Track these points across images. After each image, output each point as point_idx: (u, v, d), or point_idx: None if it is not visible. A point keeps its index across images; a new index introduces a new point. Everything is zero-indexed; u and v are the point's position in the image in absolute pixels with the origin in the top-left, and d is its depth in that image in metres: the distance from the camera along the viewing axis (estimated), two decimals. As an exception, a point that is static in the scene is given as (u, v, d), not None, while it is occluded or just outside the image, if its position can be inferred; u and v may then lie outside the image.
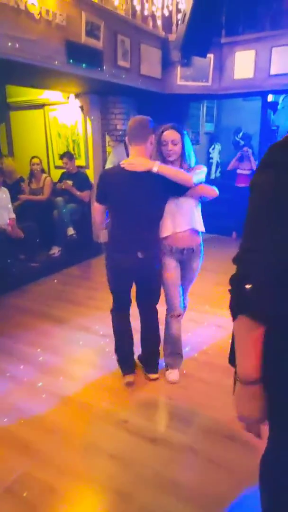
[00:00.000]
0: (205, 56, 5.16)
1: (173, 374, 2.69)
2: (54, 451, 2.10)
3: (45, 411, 2.40)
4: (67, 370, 2.85)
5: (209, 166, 8.11)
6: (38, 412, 2.39)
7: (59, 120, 5.70)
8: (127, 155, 5.41)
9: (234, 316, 0.95)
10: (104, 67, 4.23)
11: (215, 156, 8.07)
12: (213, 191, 2.47)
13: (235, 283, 0.92)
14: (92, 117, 5.48)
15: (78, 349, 3.16)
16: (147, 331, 2.72)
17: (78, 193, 5.29)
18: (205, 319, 3.61)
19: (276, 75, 5.05)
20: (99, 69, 4.18)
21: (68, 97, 5.44)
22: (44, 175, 5.28)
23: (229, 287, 0.95)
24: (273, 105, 6.33)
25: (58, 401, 2.49)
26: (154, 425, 2.30)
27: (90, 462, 2.03)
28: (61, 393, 2.58)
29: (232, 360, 1.08)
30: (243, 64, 5.24)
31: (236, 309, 0.94)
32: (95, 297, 4.11)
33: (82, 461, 2.04)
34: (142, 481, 1.91)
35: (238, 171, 6.36)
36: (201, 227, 2.53)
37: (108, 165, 5.43)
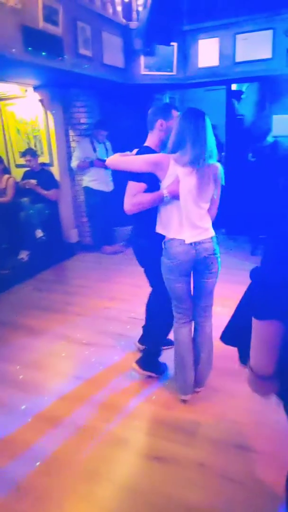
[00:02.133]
0: (168, 44, 4.99)
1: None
2: (49, 487, 1.86)
3: (32, 438, 2.15)
4: (52, 387, 2.60)
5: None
6: (25, 440, 2.14)
7: (17, 115, 5.33)
8: (94, 150, 5.19)
9: (257, 317, 0.98)
10: (65, 56, 3.94)
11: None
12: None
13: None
14: (53, 111, 5.16)
15: (61, 361, 2.91)
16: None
17: (44, 192, 4.98)
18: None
19: (241, 63, 4.96)
20: (60, 58, 3.88)
21: (26, 91, 5.08)
22: (6, 176, 4.91)
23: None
24: (237, 94, 6.26)
25: (46, 425, 2.25)
26: (157, 441, 2.11)
27: (92, 493, 1.82)
28: (48, 415, 2.33)
29: (225, 338, 1.25)
30: (208, 52, 5.10)
31: (261, 311, 0.97)
32: (73, 302, 3.86)
33: (83, 492, 1.82)
34: (152, 508, 1.73)
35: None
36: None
37: (74, 162, 5.16)
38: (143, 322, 3.26)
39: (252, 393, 1.08)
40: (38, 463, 1.98)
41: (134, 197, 2.19)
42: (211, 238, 2.20)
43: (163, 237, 2.22)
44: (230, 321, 1.23)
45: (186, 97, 7.98)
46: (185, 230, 2.14)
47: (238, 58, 4.94)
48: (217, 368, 2.63)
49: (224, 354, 2.77)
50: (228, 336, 1.24)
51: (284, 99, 5.47)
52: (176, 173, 2.08)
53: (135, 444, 2.09)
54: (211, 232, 2.21)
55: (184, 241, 2.13)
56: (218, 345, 2.79)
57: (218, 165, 2.14)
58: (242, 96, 6.33)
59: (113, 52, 4.81)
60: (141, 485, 1.85)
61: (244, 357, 1.16)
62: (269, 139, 5.42)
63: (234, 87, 6.11)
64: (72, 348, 3.06)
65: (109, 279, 4.46)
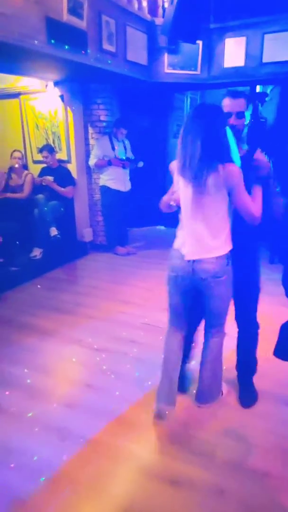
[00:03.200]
0: (194, 42, 4.84)
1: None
2: (51, 505, 1.73)
3: (38, 450, 2.03)
4: (61, 394, 2.48)
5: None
6: (30, 452, 2.01)
7: (37, 110, 5.23)
8: (112, 148, 5.07)
9: None
10: (88, 50, 3.83)
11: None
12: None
13: None
14: (73, 107, 5.06)
15: (71, 367, 2.78)
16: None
17: (60, 189, 4.87)
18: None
19: (268, 63, 4.79)
20: (83, 52, 3.77)
21: (46, 85, 4.98)
22: (25, 172, 4.82)
23: None
24: (261, 96, 6.09)
25: (54, 436, 2.12)
26: (171, 462, 1.96)
27: (99, 516, 1.68)
28: (56, 425, 2.21)
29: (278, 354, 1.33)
30: (234, 51, 4.94)
31: None
32: (85, 304, 3.74)
33: (90, 515, 1.69)
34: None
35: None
36: None
37: (92, 160, 5.05)
38: (156, 329, 3.14)
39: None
40: (43, 478, 1.85)
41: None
42: (216, 258, 1.93)
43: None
44: (279, 336, 1.21)
45: (207, 98, 7.83)
46: (186, 244, 1.98)
47: (265, 59, 4.77)
48: (236, 387, 2.49)
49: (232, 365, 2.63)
50: (281, 351, 1.23)
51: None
52: (179, 182, 1.94)
53: (147, 463, 1.95)
54: (217, 252, 1.93)
55: (184, 256, 1.99)
56: (226, 357, 2.62)
57: (231, 166, 1.80)
58: (266, 99, 6.15)
59: (137, 49, 4.68)
60: (153, 510, 1.71)
61: None
62: (294, 144, 5.23)
63: (258, 89, 5.94)
64: (83, 353, 2.93)
65: (122, 281, 4.33)
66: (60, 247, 4.76)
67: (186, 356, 2.39)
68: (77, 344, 3.04)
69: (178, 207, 2.01)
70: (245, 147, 2.07)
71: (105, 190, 5.15)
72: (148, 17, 4.79)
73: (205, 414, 2.26)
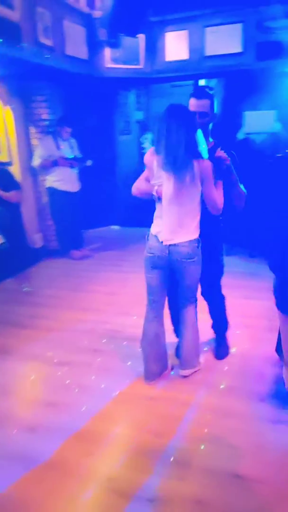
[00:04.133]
0: (134, 35, 4.73)
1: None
2: None
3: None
4: (21, 417, 2.27)
5: (142, 156, 7.73)
6: (-8, 488, 1.80)
7: (-28, 111, 4.86)
8: (58, 148, 4.83)
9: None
10: (23, 44, 3.58)
11: (148, 146, 7.71)
12: None
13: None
14: (12, 106, 4.75)
15: (31, 386, 2.57)
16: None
17: (3, 194, 4.55)
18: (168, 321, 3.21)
19: (210, 57, 4.79)
20: (17, 45, 3.52)
21: (-20, 83, 4.64)
22: None
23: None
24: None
25: (14, 465, 1.92)
26: (147, 478, 1.83)
27: None
28: (16, 452, 2.00)
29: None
30: (176, 45, 4.89)
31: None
32: (42, 315, 3.51)
33: None
34: None
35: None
36: None
37: (36, 160, 4.78)
38: (120, 335, 3.02)
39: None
40: (8, 518, 1.66)
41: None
42: (189, 242, 2.22)
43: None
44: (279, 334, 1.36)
45: (152, 93, 7.77)
46: (164, 231, 2.23)
47: (208, 52, 4.77)
48: (210, 386, 2.42)
49: (216, 369, 2.57)
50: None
51: (255, 95, 5.35)
52: (161, 176, 2.14)
53: (120, 481, 1.82)
54: (190, 236, 2.23)
55: (161, 242, 2.24)
56: (212, 363, 2.57)
57: (205, 162, 2.12)
58: (211, 92, 6.18)
59: (76, 43, 4.48)
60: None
61: None
62: (240, 136, 5.29)
63: (202, 82, 5.94)
64: (43, 369, 2.72)
65: (79, 287, 4.13)
66: (9, 256, 4.45)
67: (178, 332, 2.64)
68: (35, 360, 2.82)
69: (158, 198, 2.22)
70: (211, 140, 2.36)
71: (52, 191, 4.91)
72: (85, 9, 4.61)
73: (177, 420, 2.17)
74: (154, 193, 2.19)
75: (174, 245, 2.22)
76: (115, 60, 4.84)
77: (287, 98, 5.18)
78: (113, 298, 3.75)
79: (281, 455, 1.92)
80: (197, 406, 2.28)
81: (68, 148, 4.85)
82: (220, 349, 2.77)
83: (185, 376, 2.50)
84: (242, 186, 2.35)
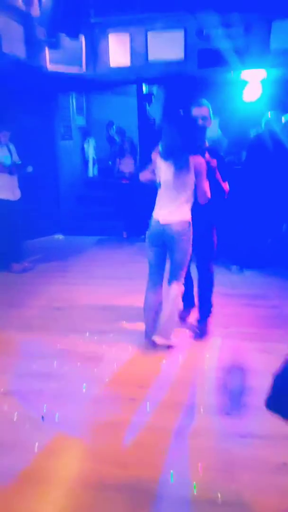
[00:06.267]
0: (75, 36, 4.53)
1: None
2: None
3: None
4: None
5: (85, 163, 7.50)
6: None
7: None
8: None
9: None
10: None
11: (91, 152, 7.50)
12: None
13: None
14: None
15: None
16: None
17: None
18: (124, 338, 3.02)
19: (153, 62, 4.74)
20: None
21: None
22: None
23: None
24: (148, 96, 6.06)
25: None
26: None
27: None
28: None
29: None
30: (118, 48, 4.79)
31: None
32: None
33: None
34: None
35: (121, 167, 5.92)
36: None
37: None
38: (73, 354, 2.79)
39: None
40: None
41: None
42: (181, 222, 2.61)
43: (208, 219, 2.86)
44: (274, 387, 1.17)
45: (93, 98, 7.59)
46: (161, 212, 2.67)
47: (151, 57, 4.72)
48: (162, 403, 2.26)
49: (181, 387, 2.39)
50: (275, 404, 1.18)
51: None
52: (162, 167, 2.59)
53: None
54: (182, 217, 2.62)
55: (159, 221, 2.66)
56: (163, 379, 2.38)
57: (199, 159, 2.53)
58: (153, 98, 6.14)
59: (12, 40, 4.19)
60: None
61: None
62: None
63: (144, 89, 5.88)
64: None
65: (21, 302, 3.78)
66: None
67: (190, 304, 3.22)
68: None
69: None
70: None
71: (-11, 200, 4.50)
72: (22, 6, 4.32)
73: (140, 447, 1.98)
74: (158, 180, 2.64)
75: (169, 224, 2.61)
76: (56, 61, 4.60)
77: (228, 106, 5.29)
78: (60, 314, 3.47)
79: (252, 470, 1.82)
80: (159, 427, 2.10)
81: (6, 154, 4.49)
82: (202, 330, 3.02)
83: (155, 344, 2.76)
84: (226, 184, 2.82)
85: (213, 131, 5.21)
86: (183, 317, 3.18)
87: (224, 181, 2.80)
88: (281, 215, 4.12)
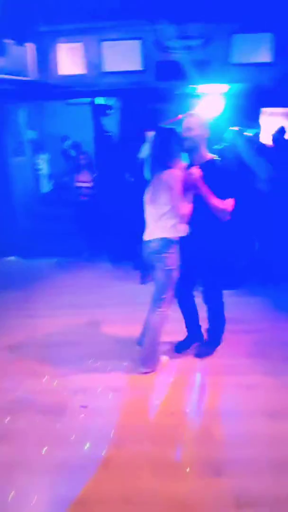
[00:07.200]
0: (21, 43, 4.17)
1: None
2: None
3: None
4: None
5: (39, 179, 7.07)
6: None
7: None
8: None
9: None
10: None
11: (44, 167, 7.09)
12: None
13: None
14: None
15: None
16: None
17: None
18: (95, 380, 2.64)
19: (109, 73, 4.48)
20: None
21: None
22: None
23: None
24: (104, 109, 5.78)
25: None
26: None
27: None
28: None
29: None
30: (70, 58, 4.48)
31: None
32: None
33: None
34: None
35: (78, 183, 5.56)
36: None
37: None
38: (31, 405, 2.40)
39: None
40: None
41: None
42: (160, 239, 2.49)
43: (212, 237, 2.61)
44: None
45: (45, 111, 7.20)
46: (146, 231, 2.59)
47: (106, 68, 4.45)
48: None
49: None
50: None
51: (156, 115, 5.17)
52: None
53: None
54: (160, 234, 2.49)
55: (144, 240, 2.59)
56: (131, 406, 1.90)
57: (170, 173, 2.40)
58: (109, 112, 5.88)
59: None
60: None
61: None
62: (142, 156, 5.03)
63: (100, 100, 5.61)
64: None
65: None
66: None
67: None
68: None
69: None
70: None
71: None
72: None
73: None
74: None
75: (149, 241, 2.54)
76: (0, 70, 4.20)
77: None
78: (16, 355, 3.02)
79: None
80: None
81: None
82: (204, 349, 2.89)
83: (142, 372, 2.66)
84: (218, 200, 2.46)
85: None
86: (179, 349, 2.93)
87: (223, 197, 2.45)
88: (251, 233, 3.95)
